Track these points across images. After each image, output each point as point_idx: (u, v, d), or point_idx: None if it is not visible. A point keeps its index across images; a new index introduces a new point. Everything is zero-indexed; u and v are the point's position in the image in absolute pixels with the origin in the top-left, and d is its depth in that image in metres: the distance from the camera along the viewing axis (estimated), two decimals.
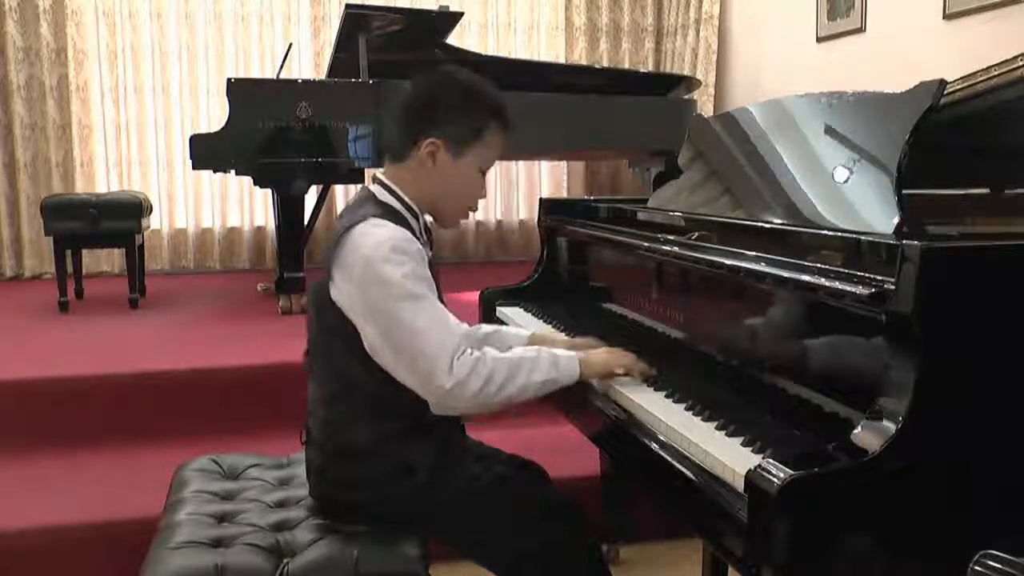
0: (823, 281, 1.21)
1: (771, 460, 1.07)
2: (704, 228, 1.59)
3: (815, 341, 1.31)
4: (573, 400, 1.72)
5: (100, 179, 5.49)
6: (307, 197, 4.03)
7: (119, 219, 4.16)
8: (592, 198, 2.64)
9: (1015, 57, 1.64)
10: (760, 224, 1.48)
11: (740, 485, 1.12)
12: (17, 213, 5.33)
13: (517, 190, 6.20)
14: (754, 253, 1.39)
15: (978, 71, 1.69)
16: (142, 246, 4.50)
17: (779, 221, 1.49)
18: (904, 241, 1.08)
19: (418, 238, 1.61)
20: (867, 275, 1.13)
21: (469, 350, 1.54)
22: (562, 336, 1.94)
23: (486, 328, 1.86)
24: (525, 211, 6.17)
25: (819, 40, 4.89)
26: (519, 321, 2.15)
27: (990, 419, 1.10)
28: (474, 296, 2.43)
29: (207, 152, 3.96)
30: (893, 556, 1.07)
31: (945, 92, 1.40)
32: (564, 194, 6.26)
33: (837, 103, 1.58)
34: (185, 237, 5.64)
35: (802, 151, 1.60)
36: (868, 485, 1.04)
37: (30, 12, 5.23)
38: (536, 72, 4.84)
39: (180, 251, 5.65)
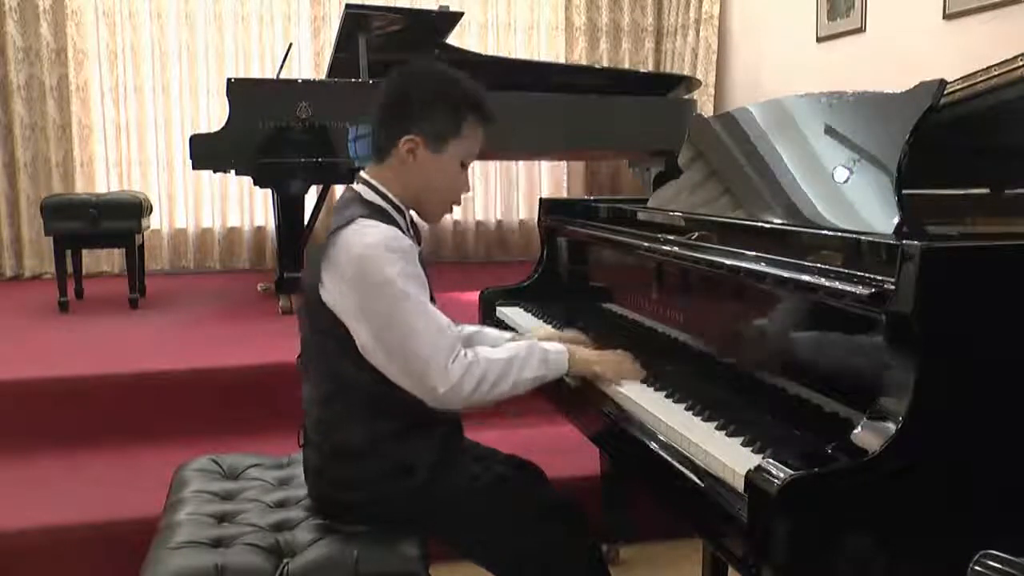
0: (823, 281, 1.21)
1: (771, 460, 1.07)
2: (704, 228, 1.59)
3: (815, 341, 1.31)
4: (573, 400, 1.72)
5: (100, 179, 5.49)
6: (307, 197, 4.04)
7: (119, 219, 4.16)
8: (592, 198, 2.65)
9: (1015, 57, 1.64)
10: (760, 224, 1.48)
11: (740, 485, 1.12)
12: (17, 213, 5.33)
13: (517, 190, 6.20)
14: (754, 253, 1.39)
15: (978, 71, 1.69)
16: (142, 246, 4.50)
17: (779, 221, 1.49)
18: (904, 241, 1.08)
19: (405, 234, 1.61)
20: (867, 275, 1.13)
21: (463, 352, 1.55)
22: (548, 328, 1.94)
23: (469, 328, 1.86)
24: (525, 211, 6.16)
25: (819, 40, 4.89)
26: (519, 321, 2.15)
27: (990, 419, 1.10)
28: (474, 296, 2.43)
29: (207, 152, 3.96)
30: (893, 556, 1.08)
31: (945, 92, 1.40)
32: (564, 194, 6.26)
33: (837, 103, 1.58)
34: (185, 237, 5.64)
35: (802, 151, 1.60)
36: (868, 485, 1.04)
37: (30, 12, 5.23)
38: (536, 72, 4.84)
39: (180, 251, 5.65)
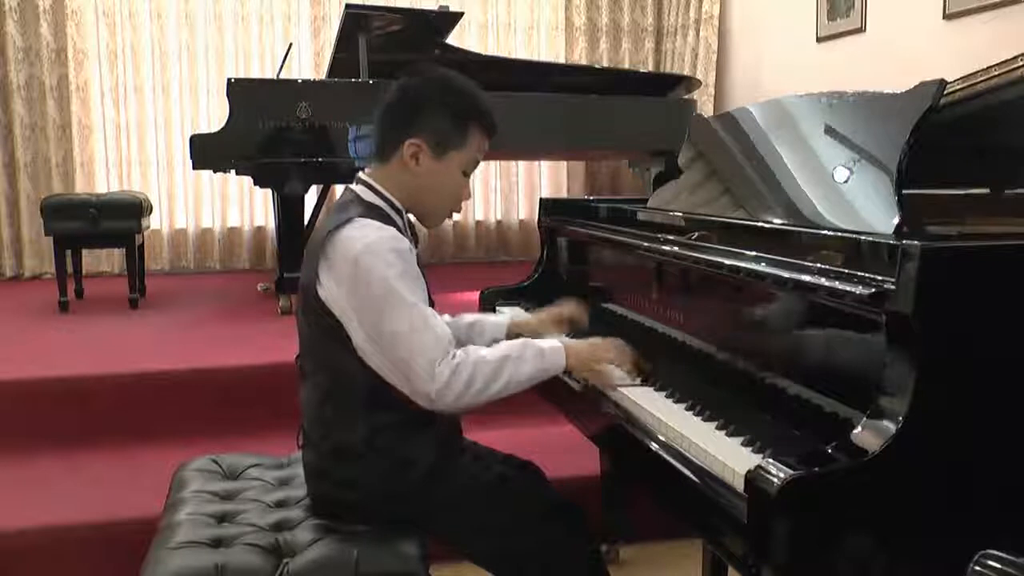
0: (823, 281, 1.21)
1: (771, 460, 1.07)
2: (704, 228, 1.59)
3: (815, 341, 1.31)
4: (573, 400, 1.72)
5: (100, 179, 5.49)
6: (307, 197, 4.03)
7: (119, 219, 4.16)
8: (592, 198, 2.64)
9: (1015, 57, 1.64)
10: (760, 224, 1.48)
11: (740, 485, 1.12)
12: (17, 213, 5.33)
13: (517, 190, 6.20)
14: (754, 253, 1.39)
15: (978, 71, 1.69)
16: (142, 246, 4.50)
17: (779, 221, 1.49)
18: (904, 241, 1.09)
19: (403, 235, 1.61)
20: (867, 275, 1.13)
21: (452, 353, 1.53)
22: (539, 317, 1.94)
23: (468, 318, 1.87)
24: (525, 211, 6.17)
25: (819, 40, 4.89)
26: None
27: (990, 419, 1.10)
28: (474, 296, 2.43)
29: (207, 152, 3.97)
30: (893, 556, 1.08)
31: (945, 92, 1.41)
32: (564, 194, 6.25)
33: (837, 103, 1.58)
34: (185, 237, 5.64)
35: (802, 151, 1.60)
36: (868, 485, 1.04)
37: (30, 12, 5.23)
38: (536, 72, 4.84)
39: (180, 251, 5.65)
